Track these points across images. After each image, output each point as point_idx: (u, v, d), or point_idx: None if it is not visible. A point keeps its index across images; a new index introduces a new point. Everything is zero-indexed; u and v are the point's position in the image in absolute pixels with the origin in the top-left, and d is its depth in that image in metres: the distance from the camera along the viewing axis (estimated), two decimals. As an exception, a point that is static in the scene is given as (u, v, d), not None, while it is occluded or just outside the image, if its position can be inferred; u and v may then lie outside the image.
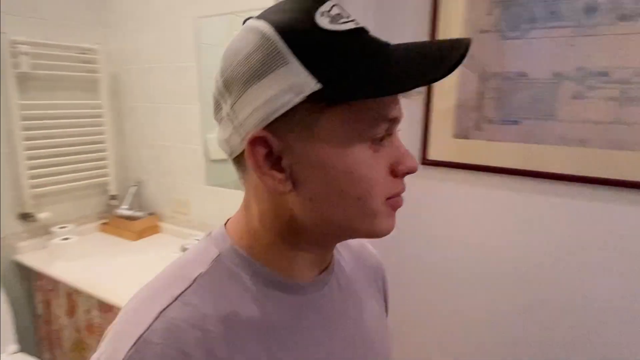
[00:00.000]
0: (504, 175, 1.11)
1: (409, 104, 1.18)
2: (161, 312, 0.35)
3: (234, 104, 0.37)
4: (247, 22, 0.38)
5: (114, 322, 0.38)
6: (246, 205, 0.43)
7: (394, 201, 0.39)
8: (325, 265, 0.45)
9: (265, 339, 0.38)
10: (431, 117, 1.19)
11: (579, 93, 0.98)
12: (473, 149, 1.14)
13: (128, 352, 0.33)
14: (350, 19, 0.37)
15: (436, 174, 1.21)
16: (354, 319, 0.47)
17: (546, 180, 1.05)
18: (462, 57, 0.34)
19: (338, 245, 0.49)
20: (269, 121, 0.35)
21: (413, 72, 0.35)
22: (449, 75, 0.36)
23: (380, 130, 0.36)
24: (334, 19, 0.35)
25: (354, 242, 0.55)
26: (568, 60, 0.98)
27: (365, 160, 0.36)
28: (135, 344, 0.34)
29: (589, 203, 1.02)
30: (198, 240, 0.45)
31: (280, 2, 0.38)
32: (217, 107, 0.40)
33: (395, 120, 0.37)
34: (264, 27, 0.35)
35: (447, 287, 1.25)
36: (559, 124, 1.01)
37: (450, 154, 1.19)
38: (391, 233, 0.40)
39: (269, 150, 0.36)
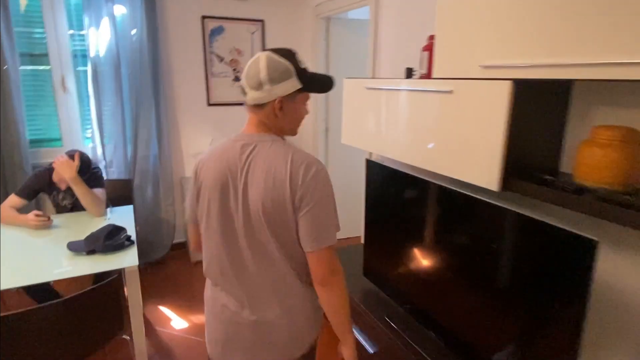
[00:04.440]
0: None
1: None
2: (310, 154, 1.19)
3: (273, 86, 1.10)
4: (276, 56, 1.11)
5: None
6: (261, 122, 1.16)
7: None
8: None
9: None
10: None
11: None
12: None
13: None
14: (304, 63, 1.17)
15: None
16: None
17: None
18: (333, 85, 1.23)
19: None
20: (285, 95, 1.12)
21: (323, 86, 1.22)
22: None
23: (308, 100, 1.21)
24: (302, 63, 1.15)
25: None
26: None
27: (304, 109, 1.21)
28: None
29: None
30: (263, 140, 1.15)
31: (287, 52, 1.14)
32: (259, 86, 1.10)
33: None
34: (290, 65, 1.12)
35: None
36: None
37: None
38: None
39: (281, 104, 1.13)
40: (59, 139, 3.23)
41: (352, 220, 3.88)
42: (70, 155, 2.32)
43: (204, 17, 3.43)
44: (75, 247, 1.82)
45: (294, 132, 1.20)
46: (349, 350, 1.21)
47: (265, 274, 1.17)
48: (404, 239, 1.99)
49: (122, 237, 1.89)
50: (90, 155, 3.18)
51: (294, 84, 1.11)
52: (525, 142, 1.41)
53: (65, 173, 2.27)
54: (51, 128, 3.22)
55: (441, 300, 1.77)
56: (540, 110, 1.43)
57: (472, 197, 1.56)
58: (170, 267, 3.47)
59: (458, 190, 1.63)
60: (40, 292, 2.33)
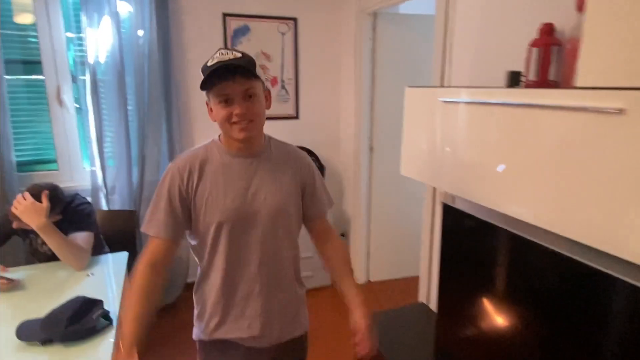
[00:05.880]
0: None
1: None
2: (181, 156, 1.23)
3: None
4: None
5: None
6: None
7: (233, 123, 1.13)
8: (253, 152, 1.23)
9: (221, 171, 1.18)
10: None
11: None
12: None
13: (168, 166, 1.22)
14: (218, 59, 1.09)
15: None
16: (271, 175, 1.23)
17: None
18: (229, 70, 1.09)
19: (276, 146, 1.32)
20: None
21: (208, 76, 1.08)
22: None
23: (220, 100, 1.11)
24: (212, 59, 1.09)
25: (293, 147, 1.36)
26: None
27: (219, 110, 1.12)
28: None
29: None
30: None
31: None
32: None
33: (226, 97, 1.10)
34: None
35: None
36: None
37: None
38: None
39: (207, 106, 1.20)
40: (54, 161, 2.78)
41: (406, 260, 3.26)
42: (36, 193, 1.79)
43: (225, 15, 2.92)
44: (26, 334, 1.29)
45: (231, 136, 1.18)
46: None
47: None
48: (507, 320, 1.35)
49: (94, 316, 1.35)
50: (89, 180, 2.71)
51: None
52: None
53: (32, 221, 1.73)
54: (45, 148, 2.77)
55: None
56: None
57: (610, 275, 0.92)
58: (182, 312, 2.95)
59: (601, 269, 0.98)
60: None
